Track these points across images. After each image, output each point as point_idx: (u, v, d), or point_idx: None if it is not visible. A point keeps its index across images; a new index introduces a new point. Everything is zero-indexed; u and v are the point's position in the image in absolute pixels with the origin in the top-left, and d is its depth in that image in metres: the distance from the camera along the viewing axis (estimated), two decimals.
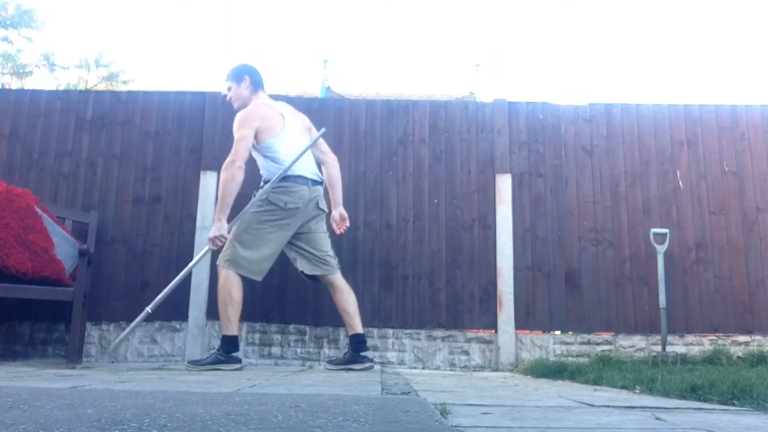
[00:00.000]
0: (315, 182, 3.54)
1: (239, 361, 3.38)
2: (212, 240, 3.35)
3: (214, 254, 3.62)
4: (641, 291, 4.01)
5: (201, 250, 3.59)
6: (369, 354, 3.51)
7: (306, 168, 3.51)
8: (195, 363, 3.34)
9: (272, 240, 3.42)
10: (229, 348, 3.36)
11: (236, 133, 3.44)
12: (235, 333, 3.40)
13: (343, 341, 3.92)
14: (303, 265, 3.52)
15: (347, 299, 3.51)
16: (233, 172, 3.36)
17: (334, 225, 3.66)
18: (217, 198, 3.44)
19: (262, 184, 3.51)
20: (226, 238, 3.36)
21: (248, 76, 3.62)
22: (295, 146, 3.51)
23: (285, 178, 3.41)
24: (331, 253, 3.58)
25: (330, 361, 3.56)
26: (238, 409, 1.43)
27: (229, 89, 3.65)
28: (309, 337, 3.97)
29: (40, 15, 15.14)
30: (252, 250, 3.39)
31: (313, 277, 3.56)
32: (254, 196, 3.45)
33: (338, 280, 3.54)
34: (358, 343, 3.46)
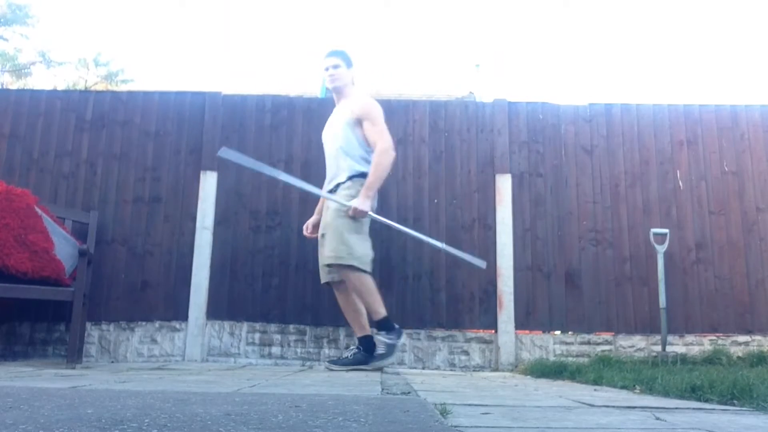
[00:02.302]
0: None
1: (400, 332, 3.40)
2: (358, 213, 3.31)
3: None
4: (641, 291, 4.01)
5: (202, 247, 3.56)
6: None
7: None
8: (378, 358, 3.34)
9: (368, 238, 3.45)
10: (388, 326, 3.35)
11: (380, 121, 3.47)
12: (385, 313, 3.37)
13: (344, 341, 3.92)
14: (329, 272, 3.48)
15: (358, 300, 3.49)
16: (392, 159, 3.43)
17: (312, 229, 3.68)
18: (371, 178, 3.35)
19: (346, 178, 3.43)
20: (366, 215, 3.33)
21: (355, 68, 3.64)
22: None
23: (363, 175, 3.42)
24: None
25: (335, 362, 3.48)
26: (238, 409, 1.43)
27: (336, 67, 3.58)
28: (309, 337, 3.97)
29: (34, 11, 15.14)
30: (365, 246, 3.38)
31: (328, 285, 3.55)
32: (333, 191, 3.44)
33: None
34: (370, 344, 3.42)
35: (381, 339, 3.37)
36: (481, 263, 3.54)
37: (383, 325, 3.37)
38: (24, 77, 15.42)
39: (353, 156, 3.45)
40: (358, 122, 3.48)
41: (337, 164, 3.49)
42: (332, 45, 3.90)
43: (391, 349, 3.35)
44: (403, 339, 3.32)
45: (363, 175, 3.40)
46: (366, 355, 3.40)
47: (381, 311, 3.36)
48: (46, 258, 3.39)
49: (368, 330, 3.45)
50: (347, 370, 3.30)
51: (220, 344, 3.94)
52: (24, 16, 14.77)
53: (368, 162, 3.44)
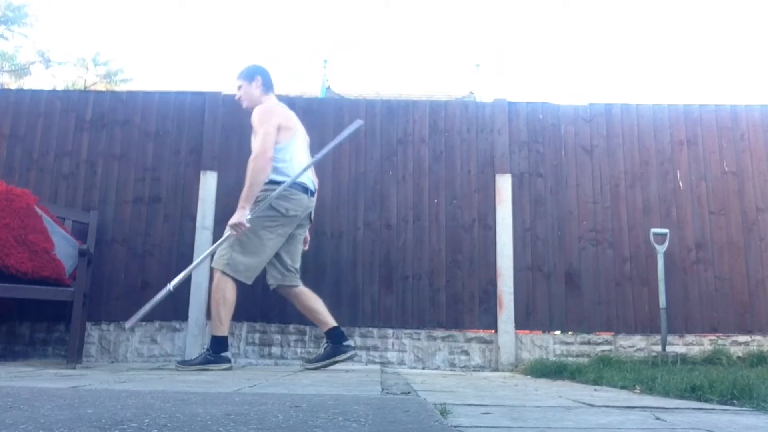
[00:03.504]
0: (312, 192, 3.55)
1: (228, 360, 3.34)
2: (234, 227, 3.29)
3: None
4: (641, 291, 4.01)
5: (202, 247, 3.58)
6: (350, 343, 3.48)
7: (307, 176, 3.51)
8: (185, 363, 3.33)
9: (270, 246, 3.40)
10: (218, 348, 3.33)
11: (260, 127, 3.40)
12: (226, 334, 3.38)
13: (325, 337, 3.91)
14: (272, 276, 3.48)
15: (312, 298, 3.49)
16: (264, 163, 3.32)
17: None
18: (245, 187, 3.34)
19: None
20: (245, 227, 3.29)
21: (260, 77, 3.62)
22: (302, 152, 3.54)
23: (301, 187, 3.41)
24: (298, 266, 3.55)
25: (311, 361, 3.49)
26: (238, 409, 1.43)
27: (239, 88, 3.63)
28: (309, 337, 3.97)
29: (32, 11, 15.11)
30: (251, 256, 3.36)
31: (275, 289, 3.53)
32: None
33: (301, 288, 3.51)
34: (337, 335, 3.44)
35: (204, 353, 3.36)
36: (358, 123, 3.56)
37: (215, 344, 3.34)
38: (22, 77, 15.39)
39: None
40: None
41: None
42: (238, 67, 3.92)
43: (204, 360, 3.30)
44: (224, 366, 3.27)
45: (270, 183, 3.37)
46: (335, 346, 3.41)
47: (222, 329, 3.35)
48: (46, 258, 3.39)
49: (331, 323, 3.45)
50: (321, 366, 3.33)
51: None
52: (22, 15, 14.75)
53: (274, 170, 3.39)
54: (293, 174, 3.39)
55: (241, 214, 3.29)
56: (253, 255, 3.37)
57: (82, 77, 16.01)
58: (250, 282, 3.41)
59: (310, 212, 3.55)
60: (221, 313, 3.35)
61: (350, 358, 3.42)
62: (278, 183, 3.37)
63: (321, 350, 3.50)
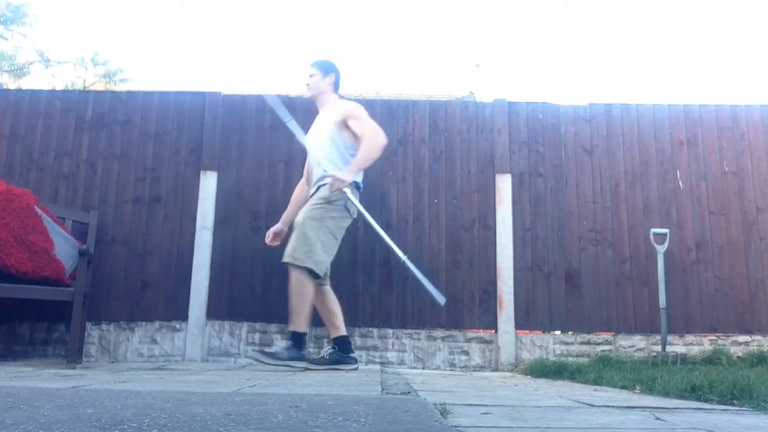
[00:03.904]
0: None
1: (303, 358, 3.39)
2: (340, 181, 3.35)
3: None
4: (641, 291, 4.01)
5: (202, 247, 3.55)
6: (354, 356, 3.52)
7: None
8: (316, 362, 3.36)
9: (338, 244, 3.49)
10: (298, 343, 3.37)
11: (365, 118, 3.55)
12: (305, 330, 3.41)
13: (332, 342, 3.90)
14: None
15: (335, 301, 3.52)
16: (382, 144, 3.51)
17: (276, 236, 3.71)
18: (359, 157, 3.45)
19: (321, 179, 3.50)
20: (345, 185, 3.36)
21: (334, 75, 3.72)
22: None
23: (355, 185, 3.50)
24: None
25: (312, 361, 3.47)
26: (238, 409, 1.43)
27: (312, 76, 3.69)
28: (309, 337, 3.96)
29: (31, 10, 15.10)
30: (328, 254, 3.43)
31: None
32: (316, 188, 3.50)
33: (328, 287, 3.56)
34: (345, 344, 3.47)
35: (281, 344, 3.42)
36: (441, 299, 3.49)
37: (296, 339, 3.38)
38: (22, 77, 15.40)
39: (341, 158, 3.51)
40: (343, 124, 3.54)
41: (321, 170, 3.53)
42: (313, 57, 3.96)
43: (269, 357, 3.34)
44: (299, 365, 3.30)
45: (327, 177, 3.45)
46: (341, 354, 3.43)
47: (302, 325, 3.38)
48: (46, 258, 3.39)
49: (343, 330, 3.49)
50: (323, 369, 3.32)
51: (220, 344, 3.94)
52: (22, 15, 14.75)
53: (335, 167, 3.47)
54: (358, 177, 3.52)
55: (349, 176, 3.38)
56: (329, 253, 3.44)
57: (82, 77, 16.02)
58: (322, 275, 3.44)
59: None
60: (304, 308, 3.38)
61: (353, 371, 3.41)
62: (353, 182, 3.46)
63: (326, 354, 3.48)
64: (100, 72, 16.40)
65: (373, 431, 1.19)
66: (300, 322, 3.38)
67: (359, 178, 3.56)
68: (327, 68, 3.70)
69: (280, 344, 3.72)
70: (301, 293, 3.36)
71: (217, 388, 2.07)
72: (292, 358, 3.32)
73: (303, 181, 3.81)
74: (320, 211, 3.41)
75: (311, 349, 3.95)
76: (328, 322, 3.54)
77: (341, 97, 3.75)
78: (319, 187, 3.52)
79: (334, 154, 3.52)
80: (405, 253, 4.06)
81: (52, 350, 3.92)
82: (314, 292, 3.39)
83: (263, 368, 3.33)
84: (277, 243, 3.68)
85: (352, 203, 3.46)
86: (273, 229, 3.73)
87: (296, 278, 3.36)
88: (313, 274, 3.34)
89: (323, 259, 3.38)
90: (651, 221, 4.08)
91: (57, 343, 3.93)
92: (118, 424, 1.19)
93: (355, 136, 3.52)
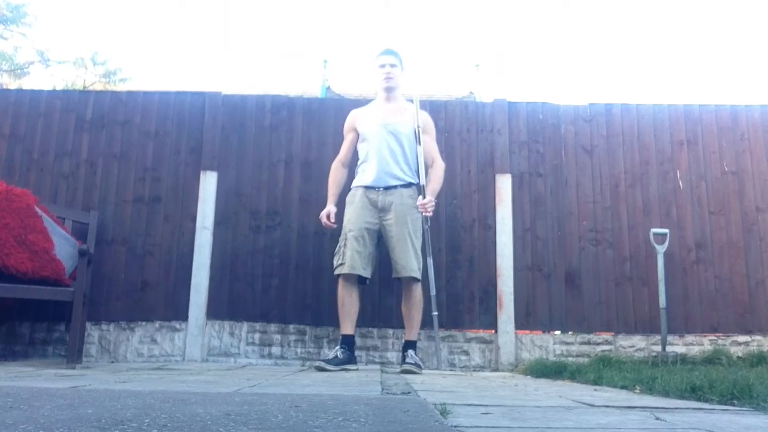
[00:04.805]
0: None
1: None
2: (426, 206, 3.49)
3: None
4: (641, 291, 4.01)
5: (202, 247, 3.55)
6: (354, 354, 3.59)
7: None
8: (329, 362, 3.38)
9: None
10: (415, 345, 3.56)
11: (434, 140, 3.73)
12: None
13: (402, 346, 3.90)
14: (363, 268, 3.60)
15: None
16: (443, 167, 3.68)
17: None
18: (437, 186, 3.61)
19: (407, 183, 3.60)
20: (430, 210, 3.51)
21: (406, 72, 3.80)
22: None
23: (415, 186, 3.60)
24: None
25: (324, 360, 3.43)
26: (238, 409, 1.43)
27: (393, 66, 3.69)
28: (309, 337, 3.97)
29: (31, 10, 15.12)
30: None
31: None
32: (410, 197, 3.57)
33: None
34: (353, 344, 3.55)
35: (413, 355, 3.50)
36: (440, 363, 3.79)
37: (413, 345, 3.56)
38: (22, 77, 15.40)
39: (413, 164, 3.62)
40: (422, 134, 3.61)
41: (398, 166, 3.59)
42: (387, 45, 3.93)
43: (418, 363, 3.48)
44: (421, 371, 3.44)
45: (415, 186, 3.58)
46: (351, 355, 3.46)
47: (416, 334, 3.60)
48: (46, 258, 3.39)
49: (353, 330, 3.55)
50: (338, 370, 3.31)
51: (220, 344, 3.94)
52: (21, 15, 14.76)
53: (417, 175, 3.59)
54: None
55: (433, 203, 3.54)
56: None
57: (81, 77, 16.03)
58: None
59: None
60: (419, 319, 3.59)
61: (355, 369, 3.45)
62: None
63: (337, 354, 3.44)
64: (99, 72, 16.43)
65: (373, 431, 1.19)
66: (416, 332, 3.59)
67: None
68: (404, 63, 3.75)
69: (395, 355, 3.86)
70: (420, 305, 3.55)
71: (217, 388, 2.07)
72: (418, 365, 3.42)
73: (341, 161, 3.78)
74: (419, 224, 3.55)
75: (311, 349, 3.95)
76: (348, 318, 3.57)
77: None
78: (396, 186, 3.55)
79: (412, 158, 3.62)
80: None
81: (52, 350, 3.92)
82: None
83: (263, 368, 3.33)
84: (334, 224, 3.66)
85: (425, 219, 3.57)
86: (330, 210, 3.66)
87: (419, 292, 3.55)
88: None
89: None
90: (651, 221, 4.08)
91: (57, 343, 3.93)
92: (118, 424, 1.19)
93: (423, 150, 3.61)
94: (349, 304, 3.50)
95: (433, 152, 3.68)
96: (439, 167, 3.65)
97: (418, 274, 3.49)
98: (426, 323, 3.97)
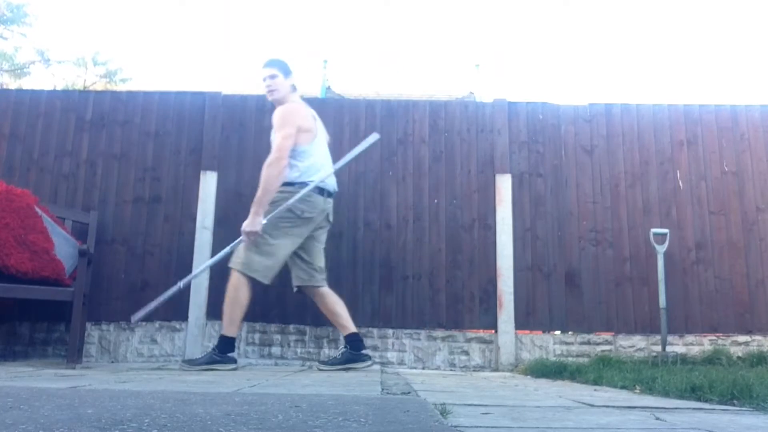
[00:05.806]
0: (330, 194, 3.54)
1: (235, 361, 3.38)
2: (247, 234, 3.32)
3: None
4: (641, 291, 4.01)
5: (202, 247, 3.57)
6: (367, 352, 3.50)
7: (327, 179, 3.52)
8: (190, 362, 3.34)
9: (284, 247, 3.41)
10: (225, 348, 3.36)
11: (280, 130, 3.38)
12: (235, 334, 3.42)
13: (344, 341, 3.91)
14: (297, 277, 3.51)
15: (336, 302, 3.51)
16: (279, 170, 3.33)
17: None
18: (258, 192, 3.34)
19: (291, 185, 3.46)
20: (258, 234, 3.31)
21: (293, 75, 3.62)
22: (322, 154, 3.55)
23: (304, 187, 3.40)
24: (323, 266, 3.56)
25: (325, 362, 3.49)
26: (238, 409, 1.43)
27: (273, 77, 3.53)
28: (309, 337, 3.97)
29: (31, 10, 15.11)
30: (267, 257, 3.37)
31: (299, 289, 3.55)
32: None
33: (325, 289, 3.54)
34: (355, 342, 3.45)
35: (210, 352, 3.39)
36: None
37: (222, 344, 3.38)
38: (22, 77, 15.41)
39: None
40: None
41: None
42: (268, 55, 3.84)
43: (209, 359, 3.32)
44: (230, 367, 3.30)
45: (286, 184, 3.38)
46: (353, 353, 3.42)
47: (232, 329, 3.39)
48: (46, 258, 3.39)
49: (352, 328, 3.47)
50: (337, 370, 3.31)
51: None
52: (22, 15, 14.76)
53: (291, 168, 3.39)
54: (311, 177, 3.41)
55: (254, 221, 3.30)
56: (269, 255, 3.38)
57: (82, 77, 16.04)
58: (267, 281, 3.41)
59: (328, 213, 3.54)
60: (234, 313, 3.37)
61: (367, 367, 3.40)
62: (293, 185, 3.38)
63: (338, 354, 3.47)
64: (100, 72, 16.44)
65: (374, 431, 1.19)
66: (229, 329, 3.42)
67: (332, 181, 3.56)
68: (287, 69, 3.58)
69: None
70: (230, 294, 3.40)
71: (217, 388, 2.07)
72: (212, 362, 3.30)
73: None
74: (273, 222, 3.38)
75: (311, 350, 3.95)
76: (335, 323, 3.55)
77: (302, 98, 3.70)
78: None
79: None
80: (405, 252, 4.07)
81: (52, 350, 3.92)
82: (245, 297, 3.41)
83: (263, 368, 3.33)
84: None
85: (296, 204, 3.36)
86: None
87: (234, 279, 3.40)
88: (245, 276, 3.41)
89: (258, 260, 3.39)
90: (651, 221, 4.08)
91: (57, 343, 3.92)
92: (118, 424, 1.19)
93: (300, 140, 3.43)
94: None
95: (272, 145, 3.43)
96: (263, 167, 3.37)
97: (233, 264, 3.37)
98: (426, 323, 3.98)
